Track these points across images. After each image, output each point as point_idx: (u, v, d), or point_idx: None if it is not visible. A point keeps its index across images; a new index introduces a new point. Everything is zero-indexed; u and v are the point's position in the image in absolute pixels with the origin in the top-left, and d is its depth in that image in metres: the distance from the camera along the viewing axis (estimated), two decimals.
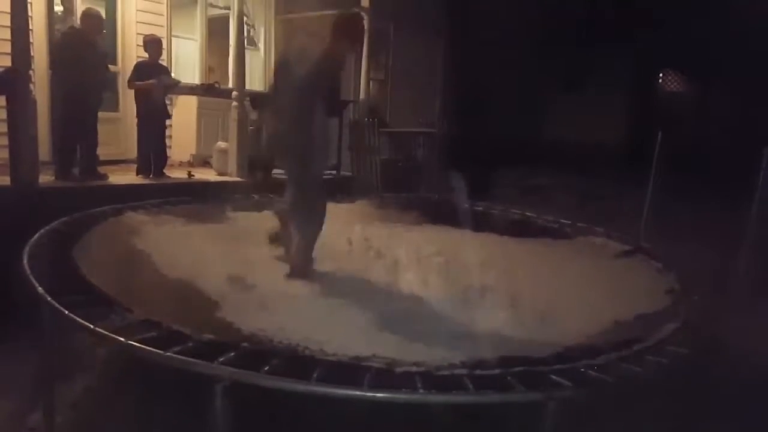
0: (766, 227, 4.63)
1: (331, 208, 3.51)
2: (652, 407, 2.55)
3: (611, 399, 2.28)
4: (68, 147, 5.78)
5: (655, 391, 2.39)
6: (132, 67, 6.56)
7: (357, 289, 2.83)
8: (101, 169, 6.02)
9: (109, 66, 6.64)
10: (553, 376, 1.95)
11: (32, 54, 5.87)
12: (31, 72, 5.40)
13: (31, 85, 5.38)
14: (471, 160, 9.51)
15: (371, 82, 9.75)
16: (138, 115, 6.43)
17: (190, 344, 2.04)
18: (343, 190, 6.87)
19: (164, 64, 7.00)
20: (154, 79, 6.29)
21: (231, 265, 3.23)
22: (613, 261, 3.89)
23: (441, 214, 4.95)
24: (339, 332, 2.33)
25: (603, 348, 2.26)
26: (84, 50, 5.64)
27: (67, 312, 2.27)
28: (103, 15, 7.60)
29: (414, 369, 1.93)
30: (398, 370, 1.93)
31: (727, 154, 9.43)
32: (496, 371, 1.98)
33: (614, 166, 11.03)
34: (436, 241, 3.98)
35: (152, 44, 6.50)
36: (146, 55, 6.55)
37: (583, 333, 2.46)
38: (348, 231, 4.14)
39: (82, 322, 2.20)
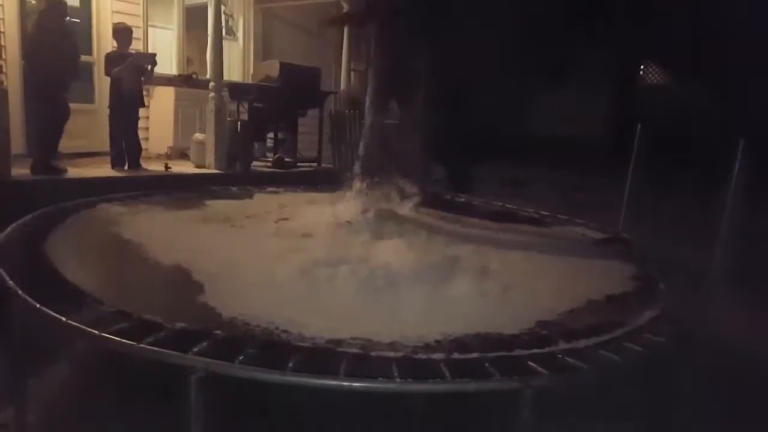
0: (740, 217, 4.71)
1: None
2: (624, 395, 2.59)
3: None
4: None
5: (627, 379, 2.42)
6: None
7: (338, 269, 2.81)
8: (74, 163, 5.93)
9: (82, 56, 6.52)
10: (530, 363, 1.96)
11: (3, 43, 5.76)
12: (1, 62, 5.29)
13: (2, 76, 5.26)
14: (452, 153, 9.54)
15: (352, 74, 9.72)
16: (111, 106, 6.31)
17: (165, 334, 2.01)
18: (324, 181, 6.84)
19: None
20: (141, 69, 6.22)
21: (213, 248, 3.21)
22: (589, 249, 3.91)
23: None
24: (319, 312, 2.33)
25: (577, 334, 2.28)
26: (52, 35, 5.54)
27: (38, 305, 2.23)
28: (78, 3, 7.52)
29: (391, 355, 1.93)
30: (374, 354, 1.93)
31: (705, 146, 9.57)
32: (474, 356, 1.99)
33: (596, 159, 11.15)
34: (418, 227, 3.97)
35: (121, 33, 6.39)
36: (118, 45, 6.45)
37: (551, 318, 2.48)
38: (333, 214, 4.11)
39: (54, 314, 2.15)
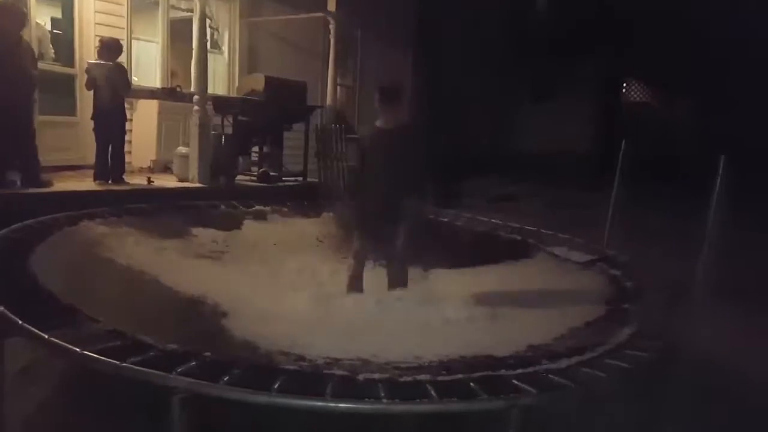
0: (723, 232, 4.76)
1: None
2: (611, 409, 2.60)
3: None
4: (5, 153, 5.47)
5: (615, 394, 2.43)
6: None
7: (338, 296, 2.85)
8: (56, 176, 5.83)
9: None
10: (516, 382, 1.96)
11: None
12: None
13: None
14: (440, 168, 9.60)
15: (338, 88, 9.74)
16: (94, 118, 6.23)
17: (151, 354, 1.98)
18: (309, 197, 6.83)
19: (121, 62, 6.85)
20: (109, 80, 6.14)
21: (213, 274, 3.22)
22: (576, 268, 3.94)
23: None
24: (321, 335, 2.35)
25: (564, 352, 2.28)
26: (3, 47, 5.28)
27: (20, 322, 2.19)
28: (60, 14, 7.45)
29: (377, 376, 1.92)
30: (361, 377, 1.92)
31: (688, 161, 9.73)
32: (459, 376, 1.99)
33: (582, 175, 11.28)
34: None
35: (104, 46, 6.32)
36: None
37: (542, 337, 2.49)
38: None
39: (36, 331, 2.12)
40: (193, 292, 2.97)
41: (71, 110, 7.31)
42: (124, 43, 7.64)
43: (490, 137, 13.59)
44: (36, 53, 6.28)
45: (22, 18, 5.64)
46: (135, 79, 6.67)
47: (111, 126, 6.23)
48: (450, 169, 9.29)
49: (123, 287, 3.08)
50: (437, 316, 2.73)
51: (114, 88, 6.18)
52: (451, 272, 3.51)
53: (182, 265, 3.53)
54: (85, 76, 6.22)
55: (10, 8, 5.57)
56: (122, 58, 6.78)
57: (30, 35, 6.18)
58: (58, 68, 7.18)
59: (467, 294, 3.08)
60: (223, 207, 5.42)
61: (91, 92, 6.23)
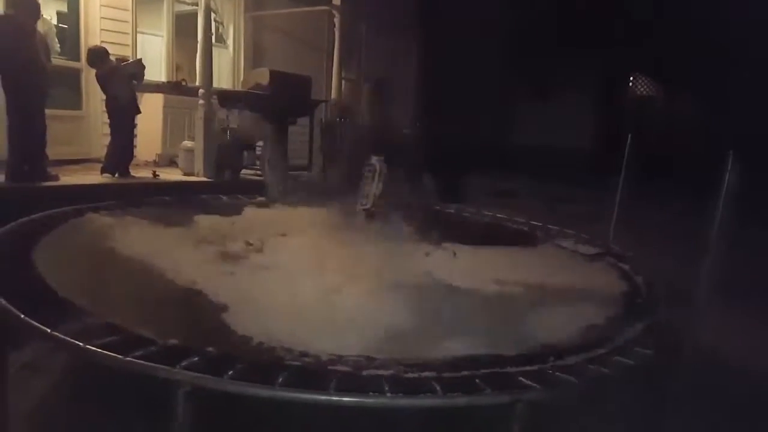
0: (730, 229, 4.73)
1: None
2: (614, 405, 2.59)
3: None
4: (15, 146, 5.49)
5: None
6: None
7: (341, 288, 2.82)
8: (61, 169, 5.85)
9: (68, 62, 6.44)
10: (522, 378, 1.95)
11: None
12: None
13: None
14: (443, 163, 9.59)
15: (343, 82, 9.72)
16: (114, 112, 6.26)
17: (153, 348, 1.97)
18: (314, 191, 6.82)
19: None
20: (133, 76, 6.20)
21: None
22: (581, 263, 3.91)
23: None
24: (323, 329, 2.33)
25: (570, 348, 2.27)
26: (19, 39, 5.27)
27: (23, 316, 2.18)
28: (65, 8, 7.46)
29: (382, 372, 1.91)
30: (365, 373, 1.91)
31: (694, 157, 9.67)
32: (465, 373, 1.97)
33: (585, 170, 11.22)
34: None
35: (95, 55, 6.35)
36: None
37: (547, 333, 2.47)
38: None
39: (39, 326, 2.11)
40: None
41: (76, 104, 7.33)
42: (129, 37, 7.70)
43: (492, 132, 13.54)
44: None
45: (37, 9, 5.62)
46: None
47: (129, 119, 6.29)
48: (452, 163, 9.26)
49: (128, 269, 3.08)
50: (444, 308, 2.68)
51: (134, 84, 6.26)
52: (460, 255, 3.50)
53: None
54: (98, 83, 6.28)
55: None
56: (128, 52, 6.79)
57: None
58: (63, 62, 7.18)
59: (475, 279, 3.05)
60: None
61: (99, 86, 6.27)
